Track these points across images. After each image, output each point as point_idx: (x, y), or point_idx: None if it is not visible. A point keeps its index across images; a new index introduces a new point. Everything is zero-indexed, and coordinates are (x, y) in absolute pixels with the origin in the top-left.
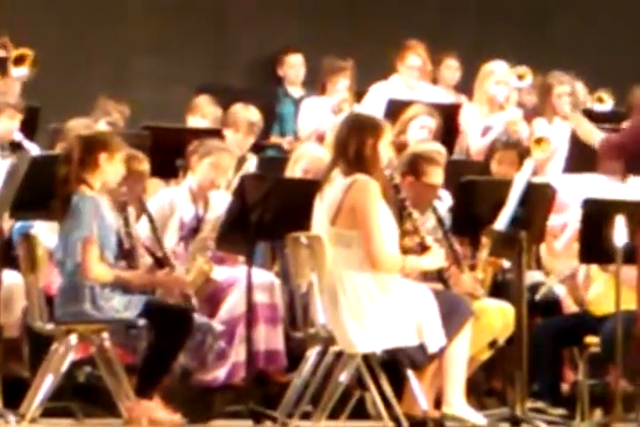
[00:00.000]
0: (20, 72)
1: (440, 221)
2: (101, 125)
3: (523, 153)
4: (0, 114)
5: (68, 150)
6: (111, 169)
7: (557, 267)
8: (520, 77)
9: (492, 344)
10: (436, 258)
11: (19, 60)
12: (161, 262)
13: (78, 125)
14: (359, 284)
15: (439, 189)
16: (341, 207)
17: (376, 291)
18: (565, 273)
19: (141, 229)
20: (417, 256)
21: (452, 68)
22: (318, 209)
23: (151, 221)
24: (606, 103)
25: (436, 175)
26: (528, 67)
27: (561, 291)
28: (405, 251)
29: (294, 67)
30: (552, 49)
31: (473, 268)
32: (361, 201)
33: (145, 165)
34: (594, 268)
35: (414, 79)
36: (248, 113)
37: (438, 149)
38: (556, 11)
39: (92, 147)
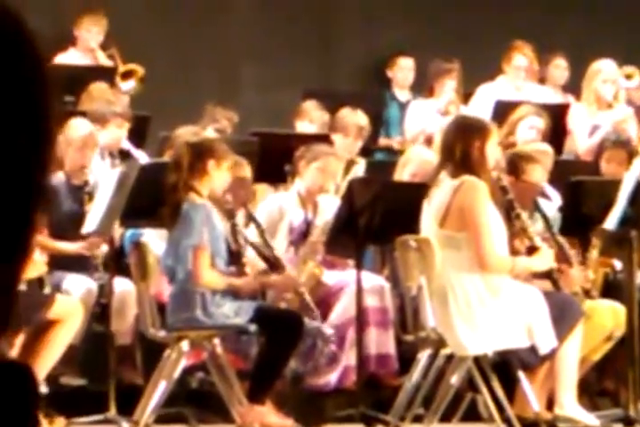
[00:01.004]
0: (127, 86)
1: (546, 219)
2: (209, 132)
3: (632, 152)
4: (108, 123)
5: (176, 157)
6: (218, 176)
7: None
8: (628, 77)
9: (608, 338)
10: (546, 259)
11: (126, 75)
12: (272, 264)
13: (186, 133)
14: (469, 286)
15: (540, 187)
16: (450, 209)
17: (486, 293)
18: None
19: (251, 235)
20: (526, 257)
21: (560, 68)
22: (426, 212)
23: (258, 226)
24: None
25: (536, 173)
26: (636, 65)
27: None
28: (514, 252)
29: (404, 70)
30: None
31: (583, 268)
32: (469, 202)
33: (247, 172)
34: None
35: (521, 80)
36: (356, 117)
37: (545, 149)
38: None
39: (201, 154)
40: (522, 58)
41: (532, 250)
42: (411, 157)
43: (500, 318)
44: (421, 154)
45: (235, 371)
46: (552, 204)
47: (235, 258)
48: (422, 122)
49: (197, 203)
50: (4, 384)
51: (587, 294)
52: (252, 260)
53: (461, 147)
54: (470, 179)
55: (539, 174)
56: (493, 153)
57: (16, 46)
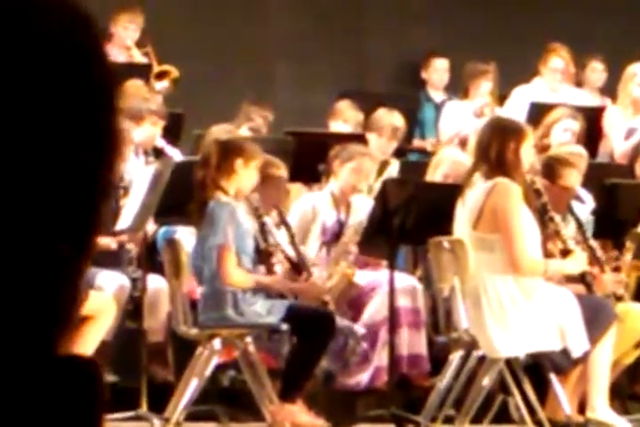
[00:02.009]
0: (160, 86)
1: (579, 223)
2: (244, 131)
3: None
4: (143, 121)
5: (205, 155)
6: (246, 175)
7: None
8: None
9: (638, 345)
10: (579, 262)
11: (161, 75)
12: (298, 268)
13: (220, 131)
14: (502, 288)
15: (575, 191)
16: (483, 211)
17: (519, 295)
18: None
19: (282, 236)
20: (560, 260)
21: (597, 71)
22: (460, 213)
23: (288, 228)
24: None
25: (572, 177)
26: None
27: None
28: (548, 255)
29: (439, 71)
30: None
31: (617, 271)
32: (503, 204)
33: (282, 171)
34: None
35: (557, 82)
36: (392, 118)
37: (579, 152)
38: None
39: (229, 152)
40: (558, 60)
41: (565, 253)
42: (443, 158)
43: (532, 320)
44: (454, 155)
45: (266, 369)
46: (585, 207)
47: (264, 257)
48: (457, 123)
49: (222, 201)
50: (68, 383)
51: (618, 298)
52: (281, 260)
53: (496, 148)
54: (504, 181)
55: (575, 179)
56: (528, 155)
57: (88, 63)
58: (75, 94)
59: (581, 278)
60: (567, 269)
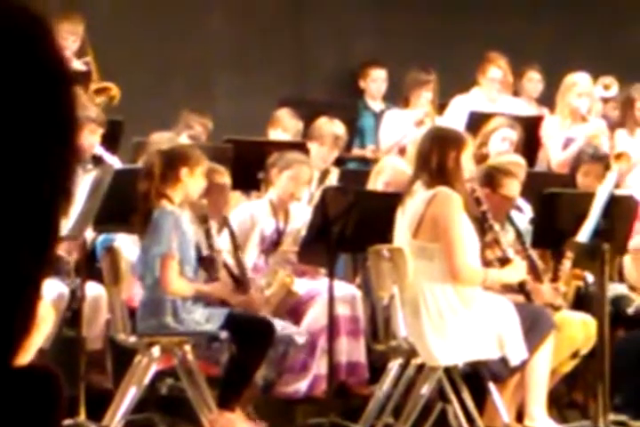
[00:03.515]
0: (99, 100)
1: (518, 232)
2: (183, 139)
3: (608, 166)
4: (81, 128)
5: (148, 165)
6: (192, 183)
7: None
8: (606, 88)
9: (575, 355)
10: (518, 271)
11: (99, 91)
12: (238, 280)
13: (160, 139)
14: (441, 297)
15: (515, 200)
16: (423, 220)
17: (458, 304)
18: None
19: (223, 243)
20: (498, 269)
21: (533, 81)
22: (400, 222)
23: (233, 238)
24: None
25: (513, 187)
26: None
27: None
28: (487, 264)
29: (377, 80)
30: (633, 60)
31: (555, 280)
32: (443, 214)
33: (226, 179)
34: None
35: (495, 91)
36: (333, 126)
37: (518, 161)
38: (634, 21)
39: (173, 161)
40: (496, 70)
41: (504, 262)
42: (384, 167)
43: (471, 329)
44: (395, 163)
45: (205, 377)
46: (524, 216)
47: (207, 264)
48: (397, 132)
49: (167, 210)
50: (25, 393)
51: (556, 308)
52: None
53: (437, 157)
54: (444, 190)
55: (515, 188)
56: (468, 164)
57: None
58: (28, 89)
59: (520, 287)
60: (506, 279)
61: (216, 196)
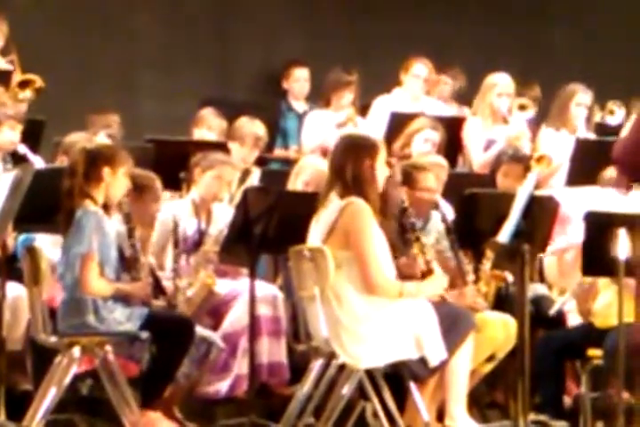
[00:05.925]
0: (24, 95)
1: (449, 229)
2: (101, 138)
3: (529, 166)
4: (1, 125)
5: (72, 164)
6: (115, 183)
7: (571, 283)
8: (521, 108)
9: (490, 358)
10: (437, 284)
11: (24, 84)
12: (159, 287)
13: (78, 139)
14: (354, 300)
15: (435, 193)
16: (334, 229)
17: (372, 306)
18: (584, 287)
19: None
20: (417, 282)
21: (454, 81)
22: (313, 230)
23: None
24: (617, 115)
25: (428, 179)
26: (532, 78)
27: (567, 304)
28: (405, 276)
29: (299, 81)
30: (554, 62)
31: (476, 281)
32: (354, 226)
33: (158, 183)
34: (603, 280)
35: (419, 89)
36: (254, 127)
37: (439, 162)
38: (556, 23)
39: (96, 160)
40: (421, 66)
41: (424, 273)
42: (303, 166)
43: (387, 330)
44: (314, 163)
45: (126, 378)
46: (438, 214)
47: (129, 264)
48: (320, 133)
49: (90, 210)
50: None
51: (472, 307)
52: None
53: (352, 167)
54: (356, 201)
55: (431, 181)
56: (383, 170)
57: None
58: None
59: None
60: (423, 292)
61: (151, 201)
